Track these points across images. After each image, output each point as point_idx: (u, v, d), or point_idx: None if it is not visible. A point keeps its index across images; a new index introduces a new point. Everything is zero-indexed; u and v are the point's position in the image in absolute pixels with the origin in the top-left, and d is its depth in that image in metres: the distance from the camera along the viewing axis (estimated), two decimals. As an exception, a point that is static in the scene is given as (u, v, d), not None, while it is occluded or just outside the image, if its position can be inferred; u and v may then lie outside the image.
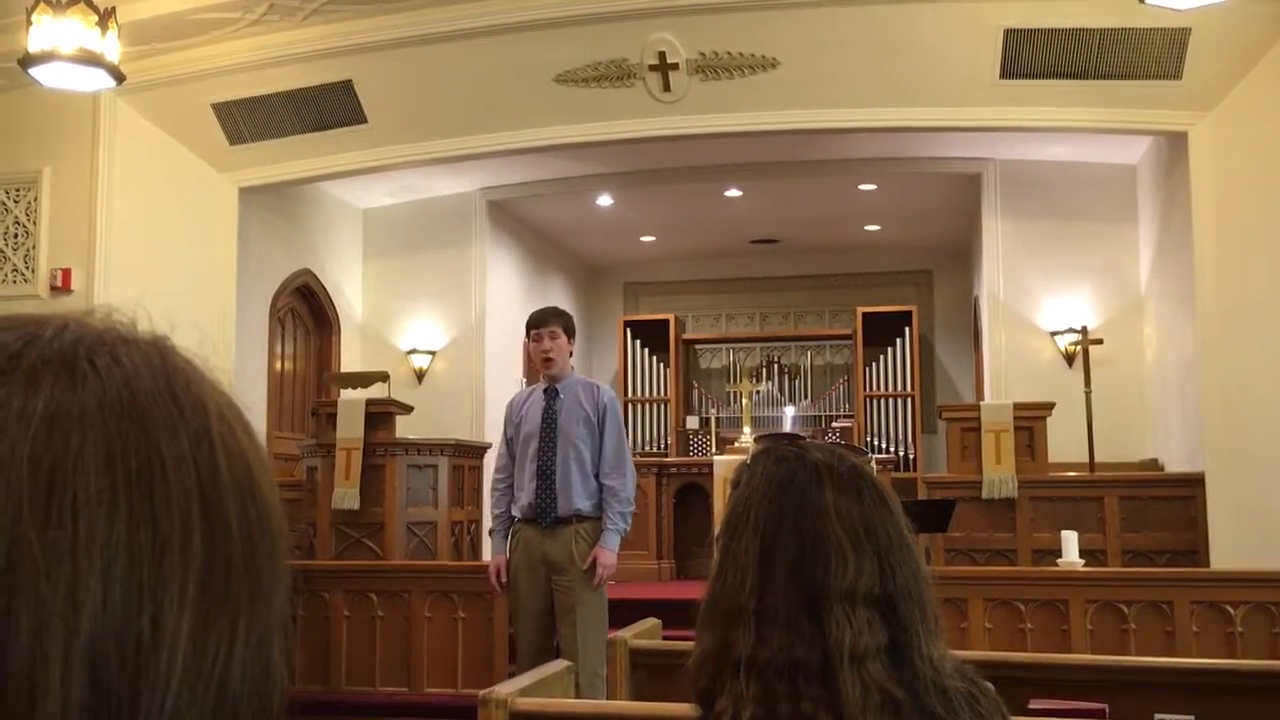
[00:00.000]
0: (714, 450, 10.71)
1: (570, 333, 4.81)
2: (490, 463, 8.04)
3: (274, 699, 0.50)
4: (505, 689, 2.49)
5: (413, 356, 10.14)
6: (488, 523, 5.27)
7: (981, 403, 7.97)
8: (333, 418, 7.12)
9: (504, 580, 4.71)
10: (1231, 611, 5.05)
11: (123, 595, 0.44)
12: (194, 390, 0.50)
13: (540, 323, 4.79)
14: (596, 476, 4.67)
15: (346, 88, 7.32)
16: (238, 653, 0.47)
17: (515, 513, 4.71)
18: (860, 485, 1.32)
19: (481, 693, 2.47)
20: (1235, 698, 2.80)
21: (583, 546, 4.59)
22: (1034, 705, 2.65)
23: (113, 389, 0.47)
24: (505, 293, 10.67)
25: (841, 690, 1.20)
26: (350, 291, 10.28)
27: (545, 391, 4.78)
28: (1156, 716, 2.63)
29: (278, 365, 9.39)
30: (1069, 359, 8.83)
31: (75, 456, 0.45)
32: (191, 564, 0.46)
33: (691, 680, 1.33)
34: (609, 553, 4.57)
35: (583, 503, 4.62)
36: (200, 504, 0.47)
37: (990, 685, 1.31)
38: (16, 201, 7.09)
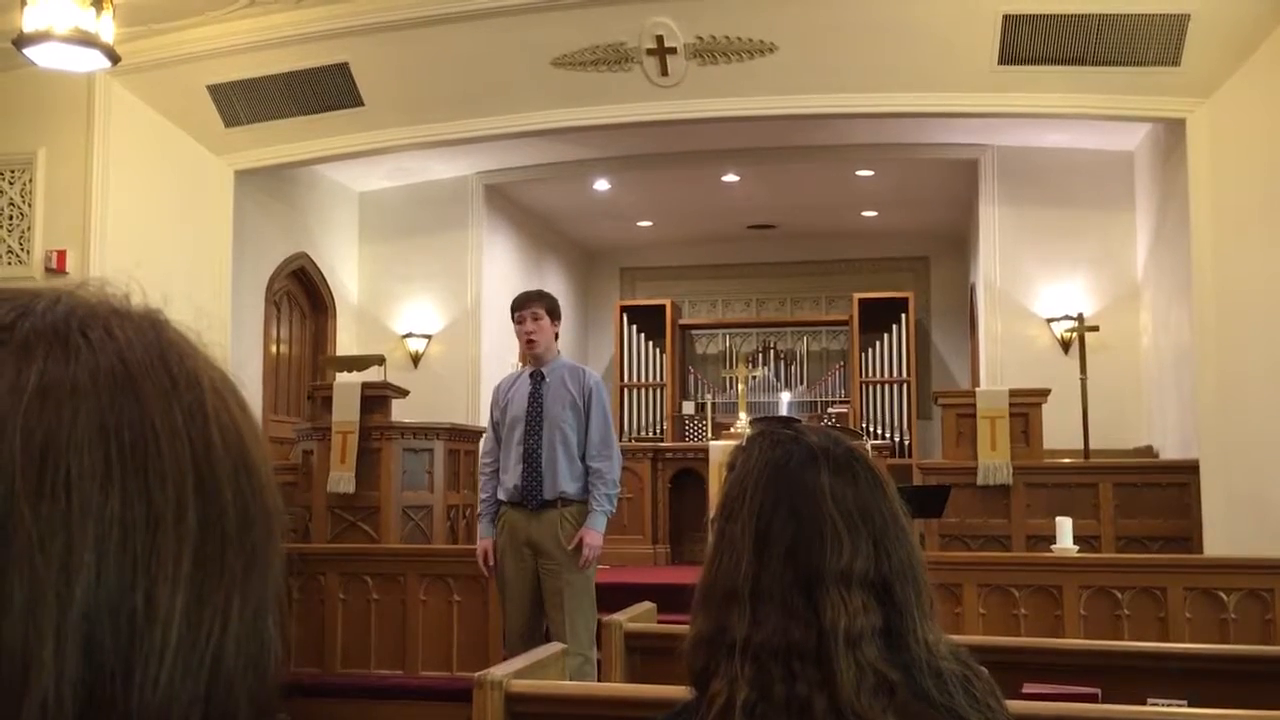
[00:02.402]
0: (710, 435, 10.73)
1: (554, 314, 4.79)
2: (485, 447, 8.07)
3: (269, 674, 0.50)
4: (500, 671, 2.50)
5: (409, 340, 10.14)
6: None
7: (977, 389, 7.98)
8: (328, 401, 7.11)
9: (491, 564, 4.73)
10: (1224, 598, 5.06)
11: (116, 569, 0.44)
12: (188, 364, 0.50)
13: (523, 304, 4.78)
14: (582, 460, 4.68)
15: (343, 70, 7.29)
16: (232, 628, 0.47)
17: (501, 495, 4.72)
18: (855, 468, 1.32)
19: (477, 675, 2.47)
20: (1227, 682, 2.81)
21: (568, 529, 4.60)
22: (1028, 689, 2.66)
23: (106, 362, 0.47)
24: (501, 277, 10.65)
25: (836, 672, 1.20)
26: (346, 275, 10.26)
27: (531, 375, 4.78)
28: (1149, 701, 2.64)
29: (273, 348, 9.38)
30: (1065, 346, 8.84)
31: (68, 430, 0.45)
32: (186, 538, 0.46)
33: (687, 662, 1.33)
34: (595, 534, 4.59)
35: (568, 486, 4.64)
36: (194, 478, 0.47)
37: (984, 669, 1.32)
38: (11, 183, 7.07)
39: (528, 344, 4.76)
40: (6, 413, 0.44)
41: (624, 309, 12.87)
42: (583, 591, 4.61)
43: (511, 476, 4.67)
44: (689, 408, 12.65)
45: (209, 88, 7.41)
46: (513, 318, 4.84)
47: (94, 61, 5.32)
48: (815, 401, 12.58)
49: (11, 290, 0.50)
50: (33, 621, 0.42)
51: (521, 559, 4.65)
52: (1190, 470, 6.77)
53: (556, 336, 4.84)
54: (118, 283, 0.53)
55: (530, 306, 4.75)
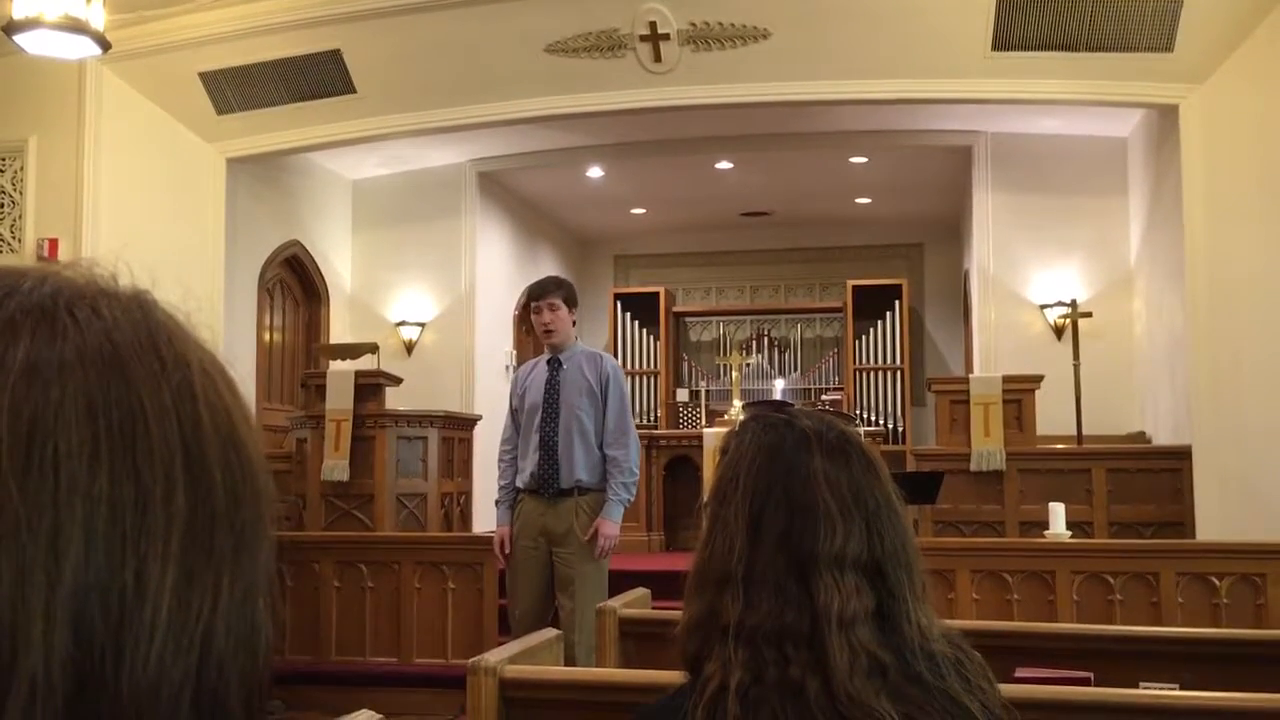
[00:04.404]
0: (704, 423, 10.74)
1: (571, 303, 4.74)
2: (480, 435, 8.06)
3: (260, 655, 0.50)
4: (494, 657, 2.50)
5: (402, 328, 10.12)
6: (481, 494, 5.29)
7: (971, 375, 7.99)
8: (322, 389, 7.10)
9: (507, 551, 4.70)
10: (1216, 583, 5.08)
11: (105, 547, 0.44)
12: (176, 344, 0.50)
13: (540, 294, 4.72)
14: (600, 448, 4.65)
15: (335, 57, 7.26)
16: (222, 607, 0.47)
17: (519, 484, 4.69)
18: (849, 452, 1.32)
19: (471, 661, 2.47)
20: (1219, 666, 2.82)
21: (584, 518, 4.57)
22: (1020, 673, 2.67)
23: (93, 341, 0.47)
24: (495, 265, 10.64)
25: (829, 655, 1.20)
26: (339, 263, 10.23)
27: (549, 362, 4.75)
28: (1141, 684, 2.65)
29: (266, 337, 9.36)
30: (1058, 332, 8.85)
31: (56, 408, 0.44)
32: (175, 517, 0.46)
33: (680, 646, 1.33)
34: (611, 524, 4.55)
35: (584, 474, 4.59)
36: (183, 457, 0.47)
37: (977, 653, 1.32)
38: (2, 171, 7.04)
39: (545, 334, 4.72)
40: None
41: (618, 296, 12.86)
42: (596, 581, 4.58)
43: (529, 464, 4.63)
44: (683, 395, 12.66)
45: (200, 75, 7.38)
46: (530, 308, 4.79)
47: (84, 48, 5.30)
48: (809, 389, 12.59)
49: (-2, 270, 0.50)
50: (21, 600, 0.42)
51: (535, 546, 4.62)
52: (1183, 456, 6.79)
53: (574, 323, 4.80)
54: (105, 264, 0.53)
55: (548, 297, 4.69)
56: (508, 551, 4.70)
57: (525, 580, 4.65)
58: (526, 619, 4.58)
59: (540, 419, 4.64)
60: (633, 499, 4.74)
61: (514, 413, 4.81)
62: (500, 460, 4.84)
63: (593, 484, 4.61)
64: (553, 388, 4.67)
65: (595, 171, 10.70)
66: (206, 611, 0.46)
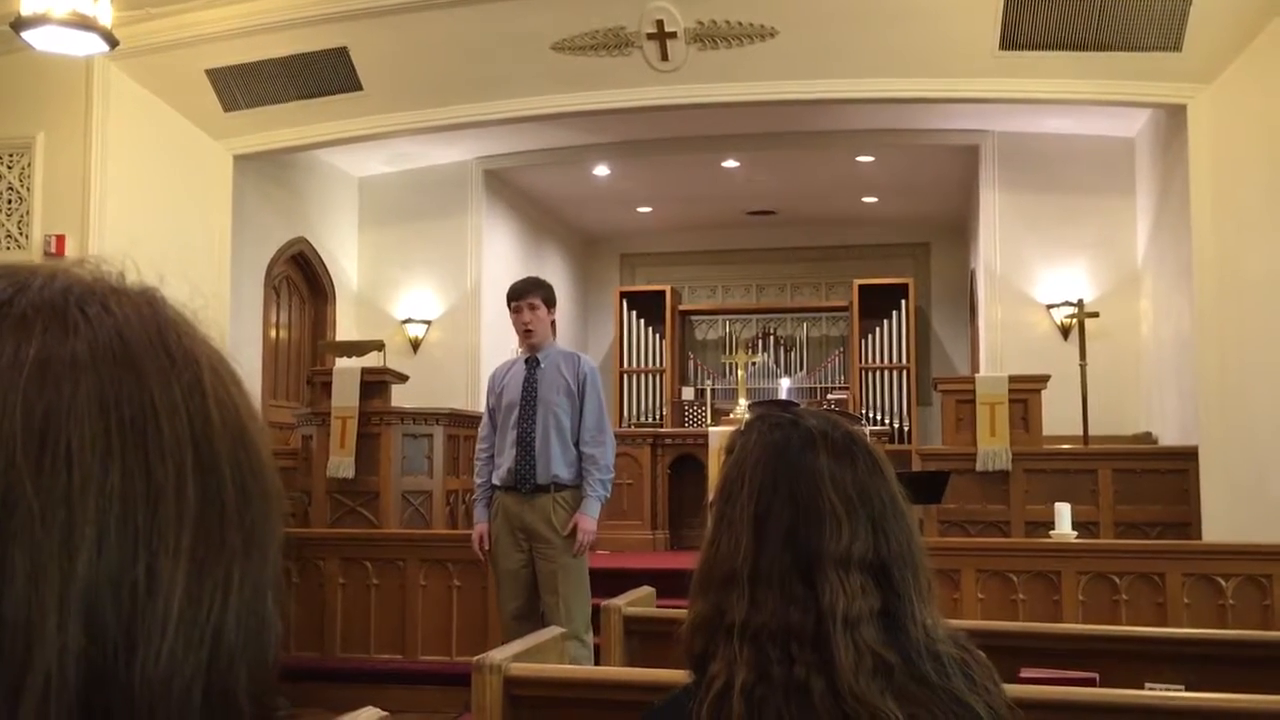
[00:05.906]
0: (709, 421, 10.74)
1: (550, 303, 4.82)
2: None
3: (269, 651, 0.50)
4: (499, 655, 2.50)
5: (408, 326, 10.13)
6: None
7: (977, 375, 7.98)
8: (328, 386, 7.11)
9: (487, 548, 4.76)
10: (1223, 584, 5.08)
11: (118, 543, 0.44)
12: (185, 342, 0.50)
13: (520, 295, 4.80)
14: (576, 445, 4.70)
15: (342, 54, 7.26)
16: (233, 603, 0.48)
17: (495, 480, 4.75)
18: (854, 451, 1.32)
19: (476, 659, 2.48)
20: (1225, 667, 2.82)
21: (562, 514, 4.63)
22: (1026, 674, 2.67)
23: (104, 338, 0.47)
24: (501, 262, 10.64)
25: (834, 654, 1.20)
26: (346, 260, 10.25)
27: (526, 361, 4.81)
28: (1147, 685, 2.65)
29: (273, 334, 9.38)
30: (1065, 332, 8.83)
31: (68, 404, 0.45)
32: (186, 513, 0.46)
33: (685, 645, 1.33)
34: (589, 519, 4.63)
35: (562, 471, 4.67)
36: (194, 454, 0.47)
37: (982, 653, 1.32)
38: (10, 167, 7.05)
39: (525, 334, 4.79)
40: (6, 387, 0.44)
41: (624, 294, 12.86)
42: (577, 575, 4.64)
43: (506, 460, 4.70)
44: (689, 393, 12.66)
45: (207, 72, 7.39)
46: (509, 307, 4.85)
47: (92, 45, 5.31)
48: (815, 388, 12.59)
49: (7, 266, 0.50)
50: (35, 595, 0.42)
51: (516, 543, 4.68)
52: (1189, 457, 6.77)
53: (553, 324, 4.86)
54: (113, 261, 0.53)
55: (527, 297, 4.77)
56: (487, 548, 4.75)
57: (509, 578, 4.69)
58: (509, 616, 4.65)
59: (518, 416, 4.70)
60: (609, 495, 4.81)
61: (490, 412, 4.88)
62: (477, 459, 4.92)
63: (569, 480, 4.69)
64: (530, 386, 4.73)
65: (601, 169, 10.70)
66: (217, 606, 0.47)
